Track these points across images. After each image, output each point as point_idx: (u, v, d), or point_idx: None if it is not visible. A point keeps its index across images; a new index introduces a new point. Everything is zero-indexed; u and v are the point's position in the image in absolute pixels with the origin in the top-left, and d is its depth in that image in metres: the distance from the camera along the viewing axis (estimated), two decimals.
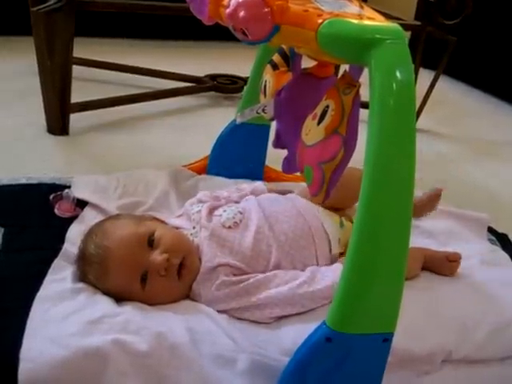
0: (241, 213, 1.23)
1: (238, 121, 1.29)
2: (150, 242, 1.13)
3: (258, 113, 1.19)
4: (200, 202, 1.31)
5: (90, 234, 1.17)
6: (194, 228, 1.23)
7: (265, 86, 1.24)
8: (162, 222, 1.25)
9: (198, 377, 0.97)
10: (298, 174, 1.16)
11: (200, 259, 1.17)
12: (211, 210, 1.26)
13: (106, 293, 1.11)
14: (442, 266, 1.32)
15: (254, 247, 1.17)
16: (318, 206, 1.28)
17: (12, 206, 1.37)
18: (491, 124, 2.85)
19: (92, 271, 1.12)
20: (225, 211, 1.24)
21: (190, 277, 1.14)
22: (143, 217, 1.26)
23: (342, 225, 1.29)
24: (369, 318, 0.88)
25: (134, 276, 1.10)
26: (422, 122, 2.31)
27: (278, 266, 1.17)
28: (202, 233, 1.20)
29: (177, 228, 1.25)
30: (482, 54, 3.17)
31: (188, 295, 1.16)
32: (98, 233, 1.15)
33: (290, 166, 1.14)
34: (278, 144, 1.19)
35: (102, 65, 2.64)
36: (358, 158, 1.20)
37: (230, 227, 1.20)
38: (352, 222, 1.30)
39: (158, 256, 1.11)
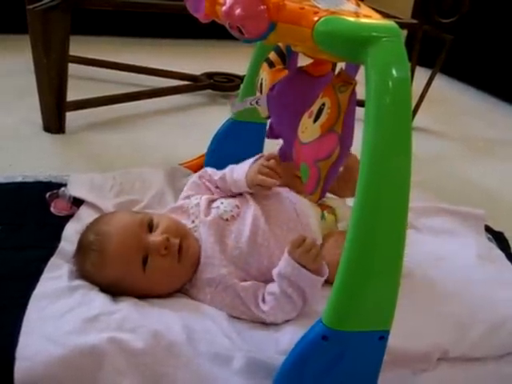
0: (238, 207, 1.24)
1: (231, 111, 1.30)
2: (150, 226, 1.14)
3: (251, 104, 1.19)
4: (189, 197, 1.31)
5: (89, 226, 1.18)
6: (193, 222, 1.23)
7: (261, 84, 1.24)
8: None
9: (195, 375, 0.97)
10: None
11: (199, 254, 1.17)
12: (209, 203, 1.26)
13: (104, 285, 1.11)
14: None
15: (251, 241, 1.17)
16: (302, 196, 1.29)
17: (8, 205, 1.37)
18: (487, 122, 2.84)
19: (91, 260, 1.12)
20: (222, 203, 1.25)
21: (188, 260, 1.15)
22: (140, 212, 1.27)
23: (323, 217, 1.30)
24: (365, 315, 0.88)
25: (135, 258, 1.10)
26: (418, 121, 2.31)
27: (271, 259, 1.17)
28: (201, 228, 1.20)
29: None
30: (479, 52, 3.17)
31: (184, 292, 1.17)
32: (96, 223, 1.16)
33: (284, 154, 1.15)
34: (272, 134, 1.19)
35: (99, 63, 2.64)
36: None
37: (227, 220, 1.21)
38: (335, 216, 1.31)
39: (158, 236, 1.12)
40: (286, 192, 1.31)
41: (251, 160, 1.29)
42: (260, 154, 1.31)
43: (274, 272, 1.13)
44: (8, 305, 1.05)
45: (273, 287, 1.13)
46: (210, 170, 1.37)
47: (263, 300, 1.13)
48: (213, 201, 1.27)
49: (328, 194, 1.37)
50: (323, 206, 1.32)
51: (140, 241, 1.11)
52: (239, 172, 1.27)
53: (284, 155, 1.14)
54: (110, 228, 1.13)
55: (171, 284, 1.15)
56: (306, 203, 1.29)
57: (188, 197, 1.32)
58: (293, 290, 1.10)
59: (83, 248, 1.14)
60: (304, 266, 1.09)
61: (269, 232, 1.19)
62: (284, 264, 1.12)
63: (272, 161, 1.23)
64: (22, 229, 1.29)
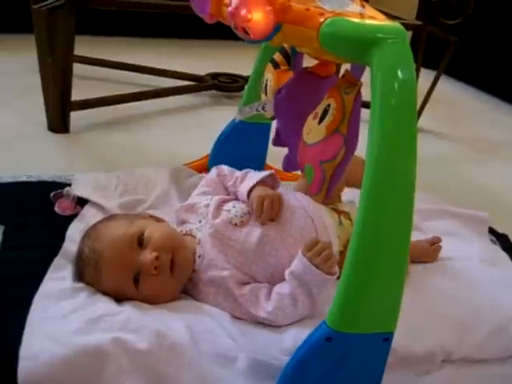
0: (249, 213, 1.22)
1: (237, 118, 1.30)
2: (140, 242, 1.12)
3: (257, 110, 1.18)
4: (204, 194, 1.31)
5: (85, 237, 1.17)
6: (199, 222, 1.23)
7: (266, 85, 1.24)
8: (158, 219, 1.25)
9: (198, 375, 0.97)
10: (299, 172, 1.16)
11: (200, 255, 1.17)
12: (220, 205, 1.25)
13: (105, 293, 1.11)
14: (425, 252, 1.36)
15: (258, 250, 1.17)
16: (319, 203, 1.28)
17: (12, 204, 1.37)
18: (492, 124, 2.84)
19: (88, 274, 1.13)
20: (234, 207, 1.23)
21: (182, 272, 1.14)
22: (138, 216, 1.25)
23: (340, 223, 1.28)
24: (369, 317, 0.88)
25: (127, 277, 1.10)
26: (422, 122, 2.31)
27: (278, 268, 1.16)
28: (206, 228, 1.20)
29: (183, 222, 1.26)
30: (483, 53, 3.17)
31: (185, 292, 1.17)
32: (91, 235, 1.15)
33: (290, 164, 1.14)
34: (278, 142, 1.19)
35: (103, 63, 2.64)
36: None
37: (236, 225, 1.20)
38: (351, 221, 1.30)
39: (147, 255, 1.10)
40: (301, 197, 1.29)
41: (262, 174, 1.28)
42: (271, 172, 1.30)
43: (287, 271, 1.13)
44: (12, 305, 1.05)
45: (282, 287, 1.13)
46: (226, 170, 1.36)
47: (267, 299, 1.12)
48: (224, 202, 1.26)
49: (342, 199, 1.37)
50: (339, 212, 1.31)
51: (130, 261, 1.10)
52: (245, 185, 1.27)
53: (289, 164, 1.14)
54: (102, 246, 1.12)
55: (165, 297, 1.14)
56: (322, 209, 1.27)
57: (204, 193, 1.32)
58: (301, 291, 1.10)
59: (81, 261, 1.14)
60: (316, 266, 1.10)
61: (280, 241, 1.18)
62: (296, 263, 1.12)
63: (276, 200, 1.21)
64: (26, 228, 1.29)
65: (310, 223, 1.23)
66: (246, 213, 1.22)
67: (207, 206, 1.25)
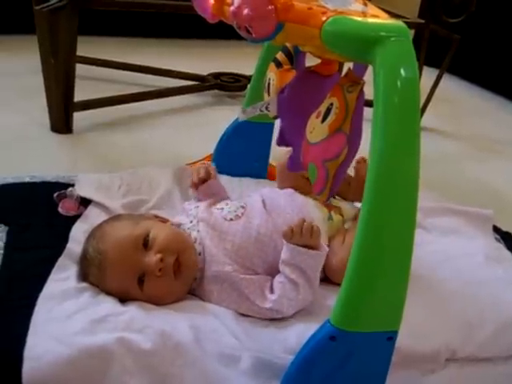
0: (243, 207, 1.24)
1: (241, 118, 1.30)
2: (145, 243, 1.12)
3: (261, 111, 1.18)
4: (199, 200, 1.33)
5: (90, 237, 1.17)
6: (191, 222, 1.23)
7: (268, 84, 1.24)
8: (163, 220, 1.25)
9: (202, 375, 0.97)
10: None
11: (200, 253, 1.17)
12: (210, 205, 1.27)
13: (109, 294, 1.11)
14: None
15: (257, 242, 1.18)
16: (309, 198, 1.30)
17: (16, 205, 1.37)
18: (495, 122, 2.84)
19: (92, 274, 1.13)
20: (227, 205, 1.26)
21: (186, 273, 1.14)
22: (143, 216, 1.26)
23: (329, 218, 1.30)
24: (373, 316, 0.88)
25: (131, 279, 1.10)
26: (425, 120, 2.30)
27: (277, 259, 1.16)
28: (200, 226, 1.21)
29: (177, 225, 1.26)
30: (486, 52, 3.17)
31: (191, 292, 1.17)
32: (96, 235, 1.16)
33: (294, 164, 1.14)
34: (282, 142, 1.18)
35: (106, 63, 2.64)
36: None
37: (231, 219, 1.21)
38: (342, 216, 1.31)
39: (152, 257, 1.10)
40: (291, 193, 1.32)
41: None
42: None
43: (279, 262, 1.14)
44: (15, 305, 1.05)
45: (280, 276, 1.14)
46: None
47: (271, 290, 1.13)
48: (215, 203, 1.28)
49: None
50: (330, 207, 1.32)
51: (135, 262, 1.10)
52: None
53: (293, 164, 1.14)
54: (106, 247, 1.12)
55: (170, 299, 1.13)
56: (311, 204, 1.29)
57: (194, 201, 1.34)
58: (297, 276, 1.11)
59: (86, 261, 1.14)
60: (304, 246, 1.12)
61: (276, 233, 1.19)
62: (284, 250, 1.14)
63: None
64: (30, 229, 1.29)
65: (301, 216, 1.23)
66: (240, 207, 1.24)
67: (197, 207, 1.27)
